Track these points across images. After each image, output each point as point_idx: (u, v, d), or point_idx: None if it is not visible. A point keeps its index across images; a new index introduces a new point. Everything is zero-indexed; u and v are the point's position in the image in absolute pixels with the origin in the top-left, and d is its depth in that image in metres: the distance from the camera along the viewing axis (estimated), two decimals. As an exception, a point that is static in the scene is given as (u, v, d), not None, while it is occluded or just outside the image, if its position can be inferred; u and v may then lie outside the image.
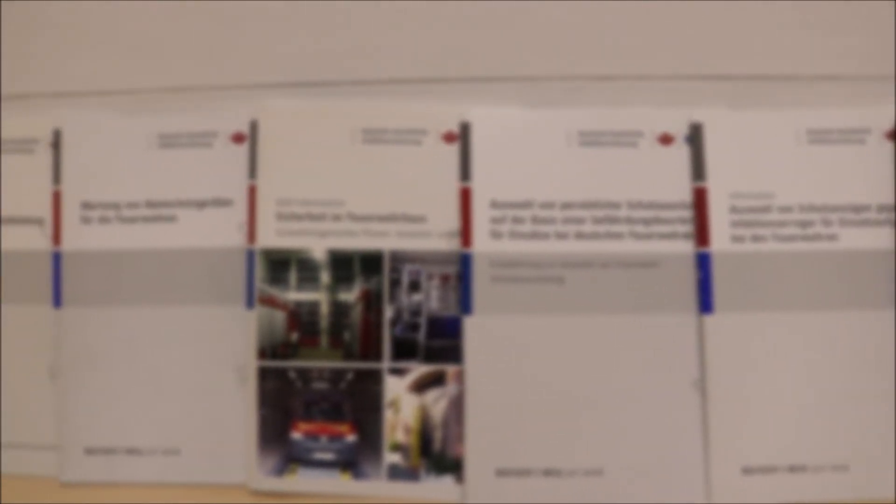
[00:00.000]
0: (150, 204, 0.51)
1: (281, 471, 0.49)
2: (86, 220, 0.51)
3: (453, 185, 0.49)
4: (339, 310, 0.49)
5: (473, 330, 0.48)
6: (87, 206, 0.51)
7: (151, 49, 0.52)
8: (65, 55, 0.53)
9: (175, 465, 0.51)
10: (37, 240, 0.52)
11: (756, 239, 0.47)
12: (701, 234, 0.48)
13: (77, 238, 0.51)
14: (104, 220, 0.51)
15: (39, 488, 0.52)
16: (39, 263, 0.52)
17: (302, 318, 0.49)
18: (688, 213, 0.48)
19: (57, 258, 0.51)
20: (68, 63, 0.53)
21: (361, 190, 0.49)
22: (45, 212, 0.52)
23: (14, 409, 0.52)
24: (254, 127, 0.50)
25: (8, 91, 0.53)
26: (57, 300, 0.51)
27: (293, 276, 0.49)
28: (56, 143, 0.52)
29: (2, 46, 0.53)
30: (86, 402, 0.51)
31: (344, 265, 0.49)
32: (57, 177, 0.52)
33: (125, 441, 0.51)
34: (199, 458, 0.50)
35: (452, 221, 0.49)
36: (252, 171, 0.50)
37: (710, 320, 0.47)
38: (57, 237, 0.51)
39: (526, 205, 0.48)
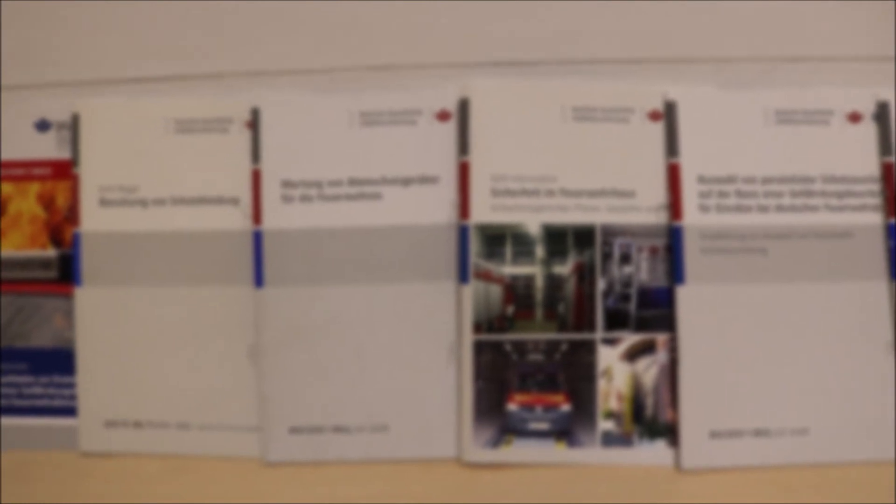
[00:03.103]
0: (354, 182, 0.52)
1: (496, 442, 0.51)
2: (287, 199, 0.52)
3: (660, 161, 0.52)
4: (554, 283, 0.51)
5: (686, 299, 0.50)
6: (287, 184, 0.52)
7: (348, 28, 0.53)
8: (258, 34, 0.53)
9: (383, 442, 0.52)
10: (233, 219, 0.53)
11: (940, 210, 0.52)
12: (891, 205, 0.51)
13: (278, 217, 0.52)
14: (306, 199, 0.52)
15: (243, 469, 0.52)
16: (236, 243, 0.53)
17: (518, 292, 0.51)
18: (877, 187, 0.52)
19: (258, 237, 0.52)
20: (262, 42, 0.53)
21: (573, 166, 0.51)
22: (241, 191, 0.53)
23: (214, 391, 0.53)
24: (464, 105, 0.51)
25: (201, 71, 0.53)
26: (259, 280, 0.52)
27: (508, 250, 0.51)
28: (254, 123, 0.52)
29: (192, 25, 0.53)
30: (290, 381, 0.52)
31: (557, 239, 0.51)
32: (256, 156, 0.52)
33: (332, 419, 0.52)
34: (408, 434, 0.52)
35: (660, 196, 0.51)
36: (463, 147, 0.51)
37: (901, 286, 0.51)
38: (257, 216, 0.52)
39: (730, 179, 0.51)
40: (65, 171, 0.55)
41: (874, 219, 0.52)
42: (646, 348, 0.51)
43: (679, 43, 0.53)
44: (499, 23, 0.53)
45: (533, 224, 0.51)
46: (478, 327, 0.51)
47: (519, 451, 0.51)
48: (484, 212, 0.51)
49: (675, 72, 0.52)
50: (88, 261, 0.54)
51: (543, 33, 0.53)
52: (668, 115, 0.52)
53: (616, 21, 0.52)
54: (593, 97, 0.52)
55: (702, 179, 0.51)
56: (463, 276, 0.51)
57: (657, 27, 0.52)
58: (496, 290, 0.51)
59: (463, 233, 0.51)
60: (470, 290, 0.51)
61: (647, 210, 0.52)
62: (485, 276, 0.51)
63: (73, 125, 0.54)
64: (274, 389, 0.52)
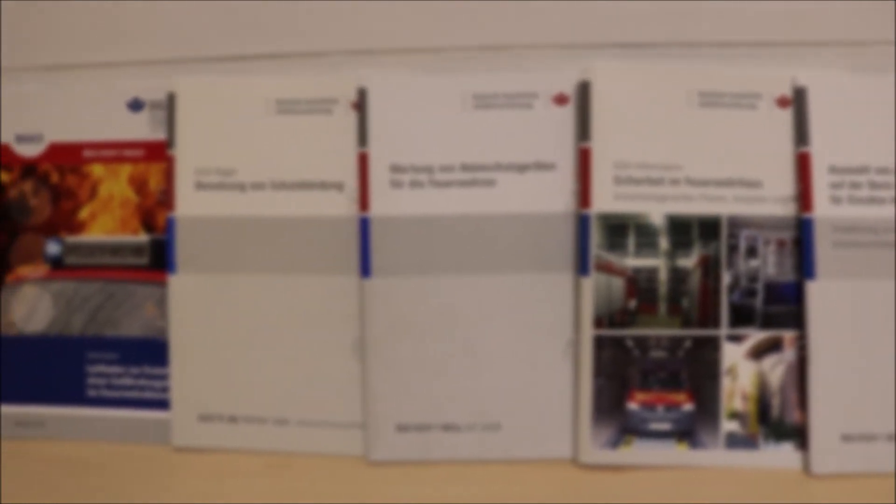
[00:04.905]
0: (466, 167, 0.50)
1: (615, 443, 0.48)
2: (396, 184, 0.50)
3: (788, 150, 0.49)
4: (678, 276, 0.49)
5: (816, 295, 0.48)
6: (396, 169, 0.50)
7: (460, 5, 0.51)
8: (364, 11, 0.51)
9: (495, 441, 0.50)
10: (337, 205, 0.51)
11: None
12: None
13: (386, 203, 0.50)
14: (416, 184, 0.50)
15: (345, 468, 0.50)
16: (340, 230, 0.50)
17: (640, 285, 0.48)
18: None
19: (365, 224, 0.49)
20: (368, 19, 0.51)
21: (698, 154, 0.49)
22: (346, 175, 0.51)
23: (315, 386, 0.51)
24: (584, 88, 0.49)
25: (305, 49, 0.51)
26: (366, 269, 0.49)
27: (631, 241, 0.48)
28: (361, 104, 0.50)
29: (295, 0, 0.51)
30: (397, 377, 0.50)
31: (682, 230, 0.49)
32: (363, 138, 0.50)
33: (441, 417, 0.50)
34: (521, 433, 0.50)
35: (788, 186, 0.49)
36: (584, 133, 0.49)
37: None
38: (364, 202, 0.49)
39: (863, 170, 0.49)
40: (158, 152, 0.52)
41: None
42: (772, 346, 0.49)
43: (809, 25, 0.50)
44: (619, 2, 0.50)
45: (657, 214, 0.49)
46: (598, 322, 0.48)
47: (639, 452, 0.49)
48: (606, 201, 0.48)
49: (804, 55, 0.50)
50: (183, 247, 0.51)
51: (666, 14, 0.50)
52: (797, 102, 0.49)
53: (743, 1, 0.50)
54: (720, 82, 0.49)
55: (833, 169, 0.49)
56: (583, 267, 0.48)
57: (786, 8, 0.50)
58: (618, 283, 0.49)
59: (584, 222, 0.49)
60: (591, 283, 0.48)
61: (774, 201, 0.49)
62: (606, 269, 0.48)
63: (169, 105, 0.51)
64: (380, 385, 0.50)
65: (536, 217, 0.49)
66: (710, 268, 0.49)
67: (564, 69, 0.50)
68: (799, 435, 0.49)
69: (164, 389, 0.52)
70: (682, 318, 0.49)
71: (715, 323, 0.49)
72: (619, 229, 0.49)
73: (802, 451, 0.49)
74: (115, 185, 0.53)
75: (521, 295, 0.49)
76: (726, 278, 0.49)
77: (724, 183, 0.49)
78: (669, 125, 0.49)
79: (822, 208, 0.49)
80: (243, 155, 0.51)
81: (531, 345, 0.49)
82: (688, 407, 0.49)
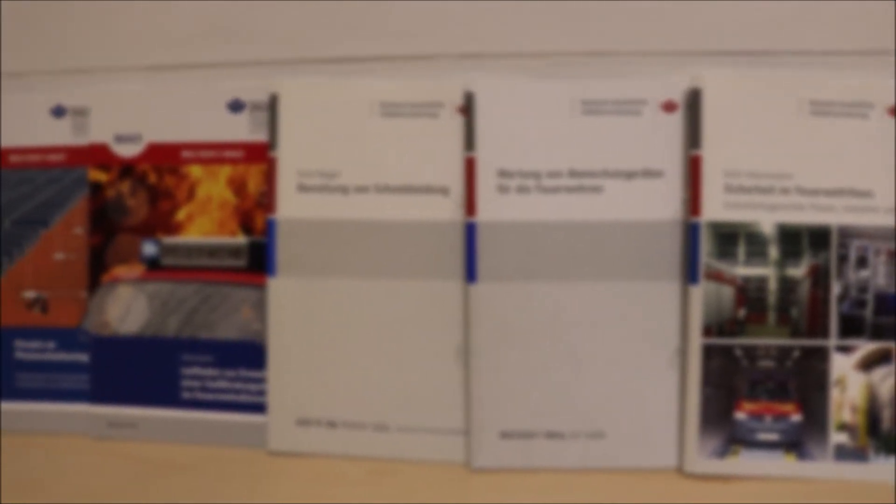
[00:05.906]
0: (574, 173, 0.49)
1: (722, 453, 0.48)
2: (503, 190, 0.49)
3: (899, 161, 0.49)
4: (787, 286, 0.48)
5: (928, 307, 0.48)
6: (504, 174, 0.50)
7: (569, 10, 0.51)
8: (472, 14, 0.51)
9: (600, 449, 0.50)
10: (442, 209, 0.50)
11: None
12: None
13: (493, 208, 0.50)
14: (523, 190, 0.49)
15: (446, 475, 0.50)
16: (445, 235, 0.50)
17: (750, 294, 0.48)
18: None
19: (472, 229, 0.49)
20: (476, 22, 0.51)
21: (809, 163, 0.49)
22: (451, 180, 0.50)
23: (416, 391, 0.50)
24: (695, 95, 0.49)
25: (410, 51, 0.51)
26: (471, 274, 0.49)
27: (741, 250, 0.48)
28: (468, 108, 0.49)
29: (401, 2, 0.51)
30: (501, 383, 0.50)
31: (792, 240, 0.48)
32: (470, 143, 0.50)
33: (545, 424, 0.49)
34: (627, 442, 0.50)
35: (899, 197, 0.49)
36: (694, 141, 0.49)
37: None
38: (471, 207, 0.49)
39: (974, 181, 0.49)
40: (258, 153, 0.52)
41: None
42: (882, 357, 0.49)
43: (919, 36, 0.50)
44: (728, 9, 0.50)
45: (767, 223, 0.48)
46: (706, 330, 0.48)
47: (746, 462, 0.48)
48: (716, 209, 0.48)
49: (914, 66, 0.50)
50: (283, 249, 0.51)
51: (776, 22, 0.50)
52: (908, 112, 0.49)
53: (852, 10, 0.50)
54: (831, 91, 0.49)
55: (945, 180, 0.49)
56: (692, 276, 0.48)
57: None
58: (727, 292, 0.48)
59: (693, 231, 0.48)
60: (700, 292, 0.48)
61: (885, 211, 0.49)
62: (716, 277, 0.48)
63: (272, 106, 0.51)
64: (484, 391, 0.49)
65: (644, 224, 0.49)
66: (819, 278, 0.49)
67: (673, 76, 0.50)
68: (909, 448, 0.49)
69: (260, 393, 0.52)
70: (790, 327, 0.49)
71: (824, 333, 0.49)
72: (728, 238, 0.48)
73: (913, 465, 0.49)
74: (213, 186, 0.52)
75: (628, 302, 0.49)
76: (836, 288, 0.49)
77: (834, 192, 0.49)
78: (780, 134, 0.49)
79: (934, 219, 0.49)
80: (346, 157, 0.51)
81: (637, 352, 0.49)
82: (796, 418, 0.49)
